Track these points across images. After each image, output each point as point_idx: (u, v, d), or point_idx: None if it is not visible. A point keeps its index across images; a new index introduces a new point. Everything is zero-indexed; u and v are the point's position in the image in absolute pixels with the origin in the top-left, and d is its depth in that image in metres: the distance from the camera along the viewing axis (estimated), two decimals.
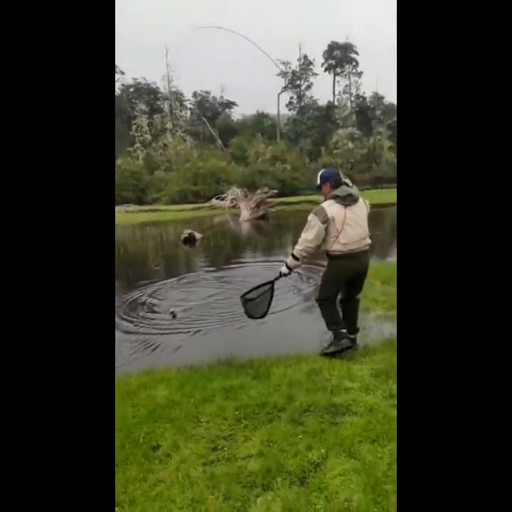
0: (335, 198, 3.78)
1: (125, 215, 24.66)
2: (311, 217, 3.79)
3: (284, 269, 4.10)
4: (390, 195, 25.34)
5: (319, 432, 2.59)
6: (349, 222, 3.75)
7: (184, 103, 50.71)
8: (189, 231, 13.56)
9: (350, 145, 41.11)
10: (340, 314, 4.09)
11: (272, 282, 4.35)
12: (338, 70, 49.17)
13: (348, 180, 3.95)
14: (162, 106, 47.96)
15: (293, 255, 3.96)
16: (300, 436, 2.58)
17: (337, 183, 3.86)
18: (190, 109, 53.03)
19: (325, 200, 3.88)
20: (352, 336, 4.11)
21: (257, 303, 4.41)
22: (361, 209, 3.88)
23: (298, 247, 3.90)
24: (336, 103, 48.93)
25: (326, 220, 3.72)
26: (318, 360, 3.81)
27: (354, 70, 48.54)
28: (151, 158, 41.33)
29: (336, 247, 3.80)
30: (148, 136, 43.12)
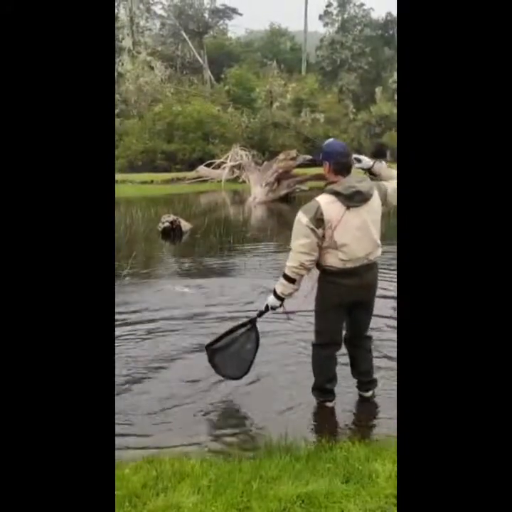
0: (336, 194, 2.61)
1: None
2: (299, 216, 2.64)
3: (272, 300, 2.82)
4: None
5: None
6: (351, 229, 2.61)
7: (152, 8, 33.26)
8: (171, 218, 8.96)
9: None
10: (335, 369, 2.89)
11: (252, 321, 2.98)
12: None
13: (362, 158, 2.89)
14: (117, 11, 28.73)
15: (285, 276, 2.71)
16: None
17: (342, 168, 2.66)
18: (161, 17, 35.23)
19: (323, 190, 2.70)
20: (366, 394, 2.98)
21: (230, 354, 2.97)
22: (373, 211, 2.71)
23: (290, 263, 2.68)
24: None
25: (320, 220, 2.58)
26: None
27: None
28: None
29: (330, 260, 2.67)
30: None
